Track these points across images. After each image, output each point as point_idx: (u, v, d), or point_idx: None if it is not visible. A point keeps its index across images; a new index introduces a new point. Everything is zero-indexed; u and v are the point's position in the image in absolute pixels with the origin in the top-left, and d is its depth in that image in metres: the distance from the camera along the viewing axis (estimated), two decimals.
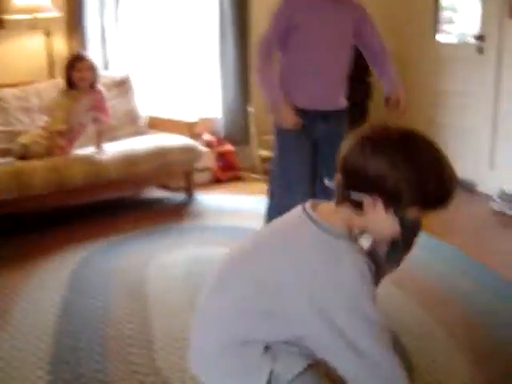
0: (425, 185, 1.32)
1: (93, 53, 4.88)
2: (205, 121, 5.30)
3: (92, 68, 4.25)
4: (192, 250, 3.62)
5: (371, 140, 1.35)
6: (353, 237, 1.45)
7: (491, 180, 4.85)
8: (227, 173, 5.35)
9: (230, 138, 5.51)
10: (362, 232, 1.48)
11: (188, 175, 4.72)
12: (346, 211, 1.41)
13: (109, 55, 5.00)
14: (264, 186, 5.01)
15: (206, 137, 5.32)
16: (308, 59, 3.00)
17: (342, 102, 3.16)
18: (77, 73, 4.19)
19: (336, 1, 2.96)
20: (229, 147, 5.42)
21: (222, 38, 5.38)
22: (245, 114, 5.45)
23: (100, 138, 4.26)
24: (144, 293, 3.03)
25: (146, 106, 5.05)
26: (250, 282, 1.47)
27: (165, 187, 4.98)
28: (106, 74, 4.85)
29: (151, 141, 4.53)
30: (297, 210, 1.53)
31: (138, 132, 4.82)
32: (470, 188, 5.04)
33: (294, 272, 1.38)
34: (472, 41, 5.04)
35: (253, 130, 5.30)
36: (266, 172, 5.25)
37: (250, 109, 5.31)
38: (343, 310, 1.32)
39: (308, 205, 1.51)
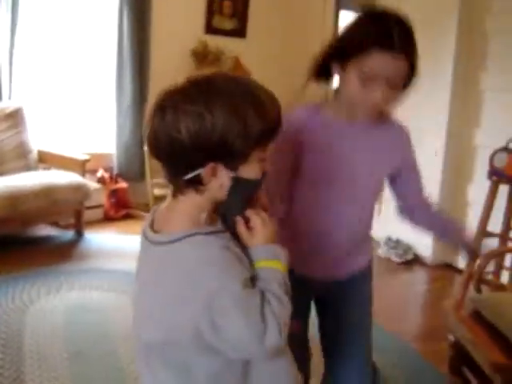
0: (245, 120, 1.14)
1: None
2: (99, 156, 5.20)
3: None
4: (75, 295, 3.51)
5: (166, 106, 1.17)
6: (201, 224, 1.23)
7: (378, 226, 4.98)
8: (119, 210, 5.26)
9: (123, 174, 5.43)
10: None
11: (78, 213, 4.60)
12: (184, 200, 1.23)
13: (2, 85, 4.83)
14: None
15: (100, 173, 5.22)
16: None
17: None
18: None
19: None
20: (122, 184, 5.33)
21: (120, 73, 5.33)
22: (140, 151, 5.40)
23: None
24: (20, 342, 2.90)
25: (37, 139, 4.90)
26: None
27: (54, 224, 4.84)
28: None
29: (40, 177, 4.39)
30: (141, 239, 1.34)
31: (28, 167, 4.66)
32: None
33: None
34: None
35: (147, 167, 5.25)
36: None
37: (146, 147, 5.26)
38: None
39: (146, 226, 1.32)
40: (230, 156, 1.16)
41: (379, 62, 1.43)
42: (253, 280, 1.19)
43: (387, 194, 4.98)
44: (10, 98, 4.87)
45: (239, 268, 1.16)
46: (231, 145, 1.14)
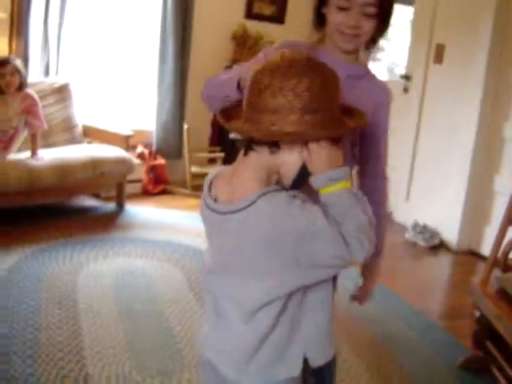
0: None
1: (34, 57, 4.95)
2: (139, 133, 5.41)
3: (16, 71, 4.27)
4: (121, 261, 3.74)
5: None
6: (270, 184, 1.34)
7: (406, 211, 5.18)
8: (157, 186, 5.47)
9: (162, 151, 5.64)
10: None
11: (120, 186, 4.82)
12: (256, 158, 1.31)
13: (50, 61, 5.05)
14: (193, 202, 5.21)
15: (139, 149, 5.44)
16: None
17: None
18: (2, 78, 4.22)
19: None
20: (160, 161, 5.54)
21: (162, 52, 5.53)
22: (179, 130, 5.61)
23: (34, 144, 4.30)
24: (74, 300, 3.13)
25: (82, 114, 5.13)
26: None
27: (96, 196, 5.07)
28: (46, 79, 4.91)
29: (86, 150, 4.63)
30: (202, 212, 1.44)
31: (74, 140, 4.89)
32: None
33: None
34: (399, 79, 5.38)
35: (186, 146, 5.46)
36: (195, 188, 5.44)
37: (185, 125, 5.47)
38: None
39: (209, 198, 1.41)
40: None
41: None
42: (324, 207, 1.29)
43: (416, 180, 5.19)
44: (57, 74, 5.10)
45: (311, 205, 1.28)
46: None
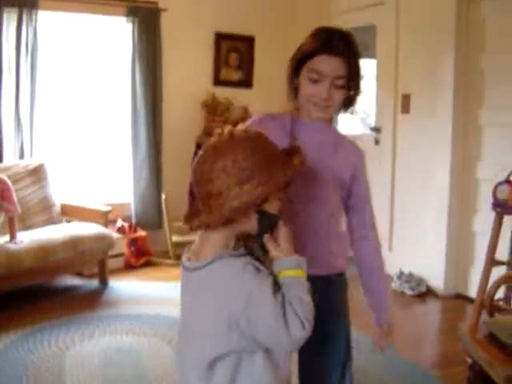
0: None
1: (7, 141, 4.99)
2: (117, 206, 5.41)
3: None
4: (108, 340, 3.68)
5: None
6: (229, 249, 1.48)
7: (390, 261, 5.17)
8: (140, 258, 5.45)
9: (142, 223, 5.64)
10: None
11: (102, 263, 4.80)
12: (215, 233, 1.46)
13: (24, 143, 5.08)
14: (177, 272, 5.17)
15: (119, 223, 5.43)
16: None
17: None
18: None
19: None
20: (141, 233, 5.53)
21: (134, 127, 5.60)
22: (157, 200, 5.62)
23: (12, 227, 4.27)
24: None
25: (59, 193, 5.13)
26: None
27: (79, 274, 5.03)
28: (21, 162, 4.93)
29: (65, 229, 4.62)
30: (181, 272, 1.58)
31: (52, 220, 4.89)
32: None
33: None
34: (370, 132, 5.47)
35: (165, 216, 5.47)
36: (178, 257, 5.41)
37: (163, 195, 5.48)
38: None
39: (184, 259, 1.56)
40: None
41: (322, 63, 1.76)
42: (276, 286, 1.41)
43: (397, 229, 5.22)
44: (31, 156, 5.12)
45: (262, 275, 1.41)
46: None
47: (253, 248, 1.55)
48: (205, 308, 1.44)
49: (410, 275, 4.81)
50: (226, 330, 1.39)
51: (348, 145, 1.94)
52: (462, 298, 4.62)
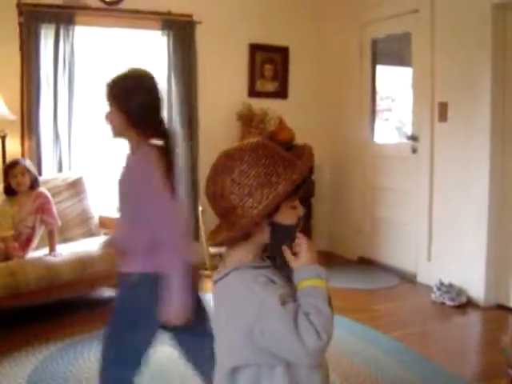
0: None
1: (46, 155, 5.07)
2: None
3: (26, 171, 4.35)
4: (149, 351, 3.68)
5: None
6: (247, 262, 1.51)
7: (430, 271, 5.12)
8: None
9: None
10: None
11: None
12: (236, 248, 1.50)
13: (62, 157, 5.16)
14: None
15: None
16: None
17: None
18: (13, 179, 4.31)
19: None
20: None
21: None
22: (194, 212, 5.64)
23: (52, 240, 4.34)
24: None
25: (97, 205, 5.19)
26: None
27: (115, 286, 5.05)
28: (59, 175, 5.00)
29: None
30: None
31: (90, 232, 4.94)
32: (411, 279, 5.32)
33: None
34: (406, 141, 5.42)
35: (202, 227, 5.48)
36: (215, 268, 5.42)
37: (200, 207, 5.50)
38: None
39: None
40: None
41: None
42: (292, 297, 1.41)
43: (436, 239, 5.14)
44: (70, 169, 5.19)
45: (274, 286, 1.42)
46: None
47: (276, 260, 1.57)
48: (223, 319, 1.49)
49: (450, 286, 4.73)
50: (242, 341, 1.41)
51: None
52: (504, 308, 4.53)
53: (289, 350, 1.36)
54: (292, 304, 1.37)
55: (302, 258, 1.46)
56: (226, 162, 1.45)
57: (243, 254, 1.50)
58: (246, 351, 1.41)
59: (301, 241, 1.48)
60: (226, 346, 1.48)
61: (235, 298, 1.43)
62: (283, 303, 1.36)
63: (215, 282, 1.53)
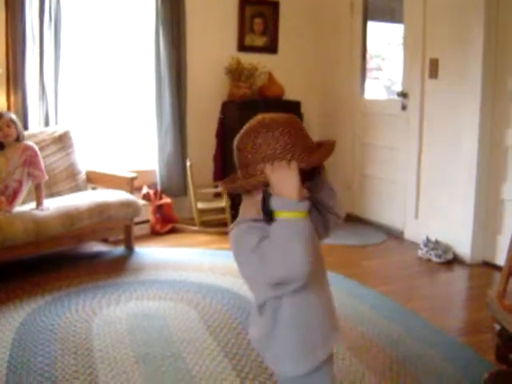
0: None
1: (33, 109, 5.00)
2: (142, 174, 5.42)
3: (11, 123, 4.32)
4: (135, 305, 3.71)
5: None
6: (250, 215, 1.60)
7: (417, 228, 5.15)
8: (165, 225, 5.47)
9: (167, 190, 5.65)
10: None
11: (128, 229, 4.82)
12: (244, 199, 1.62)
13: (49, 111, 5.09)
14: (203, 238, 5.21)
15: (144, 190, 5.45)
16: None
17: None
18: None
19: None
20: (166, 200, 5.54)
21: (159, 94, 5.59)
22: (182, 168, 5.62)
23: (39, 194, 4.30)
24: (89, 349, 3.10)
25: (84, 160, 5.15)
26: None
27: (104, 241, 5.06)
28: (46, 129, 4.95)
29: (91, 196, 4.63)
30: None
31: (78, 187, 4.92)
32: (398, 236, 5.35)
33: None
34: (396, 98, 5.39)
35: (190, 182, 5.46)
36: (203, 224, 5.43)
37: (188, 162, 5.47)
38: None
39: None
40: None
41: None
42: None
43: (423, 197, 5.16)
44: (56, 123, 5.13)
45: (259, 232, 1.50)
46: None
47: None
48: (237, 262, 1.59)
49: (437, 242, 4.76)
50: (254, 281, 1.59)
51: None
52: (489, 265, 4.57)
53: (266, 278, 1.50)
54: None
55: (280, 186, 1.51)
56: (258, 126, 1.54)
57: (247, 207, 1.61)
58: (260, 290, 1.59)
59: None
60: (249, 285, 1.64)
61: (235, 245, 1.57)
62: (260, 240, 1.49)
63: (228, 234, 1.64)
